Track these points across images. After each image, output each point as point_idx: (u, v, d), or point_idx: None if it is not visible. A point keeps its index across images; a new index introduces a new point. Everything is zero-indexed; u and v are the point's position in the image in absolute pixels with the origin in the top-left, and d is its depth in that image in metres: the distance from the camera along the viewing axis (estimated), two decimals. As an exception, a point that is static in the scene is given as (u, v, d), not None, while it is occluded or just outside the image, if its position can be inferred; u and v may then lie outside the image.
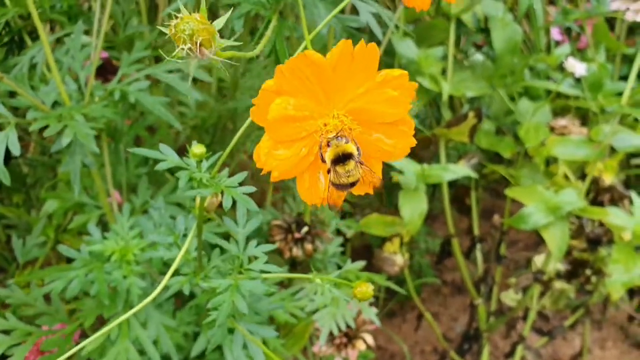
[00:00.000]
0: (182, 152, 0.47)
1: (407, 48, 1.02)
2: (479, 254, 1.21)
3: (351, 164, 0.39)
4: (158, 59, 0.84)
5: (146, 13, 0.82)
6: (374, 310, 0.75)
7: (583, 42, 1.30)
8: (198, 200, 0.47)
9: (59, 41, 0.79)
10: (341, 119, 0.38)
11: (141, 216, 0.66)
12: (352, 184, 0.40)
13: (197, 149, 0.43)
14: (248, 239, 0.54)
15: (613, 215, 0.94)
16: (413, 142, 0.40)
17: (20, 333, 0.61)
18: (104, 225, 0.75)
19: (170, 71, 0.61)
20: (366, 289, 0.47)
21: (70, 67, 0.63)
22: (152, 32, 0.78)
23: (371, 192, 0.42)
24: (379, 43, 0.75)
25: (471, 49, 1.23)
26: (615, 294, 0.99)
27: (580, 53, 1.33)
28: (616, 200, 1.24)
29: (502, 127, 1.24)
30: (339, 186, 0.40)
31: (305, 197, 0.40)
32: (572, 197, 0.93)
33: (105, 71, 0.81)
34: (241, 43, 0.38)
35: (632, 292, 1.40)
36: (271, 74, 0.39)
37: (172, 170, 0.78)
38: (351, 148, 0.39)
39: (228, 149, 0.45)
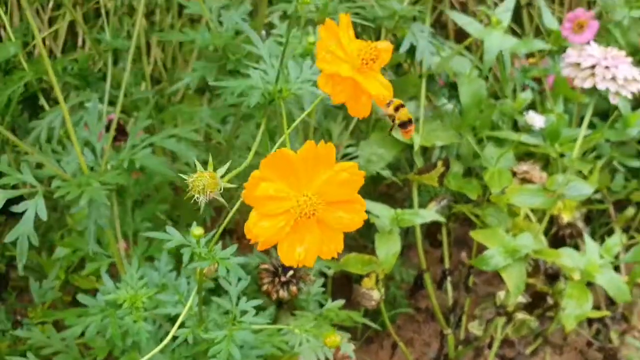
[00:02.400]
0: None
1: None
2: (449, 286, 1.32)
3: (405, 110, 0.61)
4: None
5: (149, 78, 0.92)
6: (349, 341, 0.86)
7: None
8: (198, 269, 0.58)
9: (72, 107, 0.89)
10: (310, 199, 0.51)
11: (147, 265, 0.76)
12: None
13: (197, 230, 0.55)
14: (239, 296, 0.65)
15: (565, 257, 1.05)
16: (365, 217, 0.54)
17: (39, 370, 0.71)
18: (112, 270, 0.85)
19: (171, 136, 0.71)
20: (334, 338, 0.58)
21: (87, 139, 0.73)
22: (155, 97, 0.88)
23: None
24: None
25: (442, 99, 1.34)
26: (569, 326, 1.11)
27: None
28: (575, 236, 1.36)
29: (471, 167, 1.35)
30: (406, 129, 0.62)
31: (284, 259, 0.52)
32: (529, 241, 1.04)
33: (116, 132, 0.91)
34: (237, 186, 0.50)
35: (590, 320, 1.51)
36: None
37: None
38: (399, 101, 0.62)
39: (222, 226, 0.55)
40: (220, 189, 0.52)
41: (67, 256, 0.91)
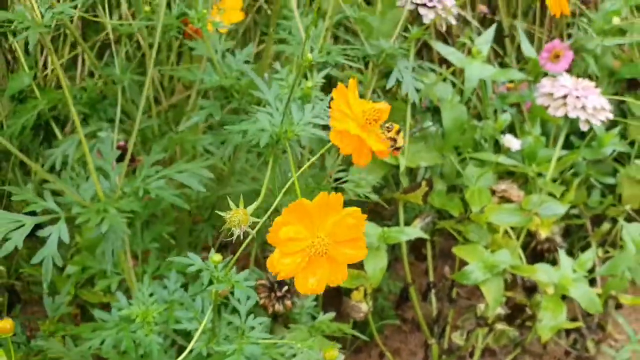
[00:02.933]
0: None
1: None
2: (433, 298, 1.39)
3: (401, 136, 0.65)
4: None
5: (155, 108, 1.00)
6: (339, 350, 0.93)
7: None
8: (214, 290, 0.65)
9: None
10: (323, 239, 0.60)
11: (156, 283, 0.83)
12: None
13: (216, 257, 0.62)
14: (248, 314, 0.72)
15: (540, 272, 1.13)
16: (366, 252, 0.62)
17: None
18: (121, 286, 0.92)
19: (180, 171, 0.79)
20: (333, 352, 0.66)
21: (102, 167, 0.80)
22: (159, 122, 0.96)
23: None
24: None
25: (427, 122, 1.42)
26: (544, 336, 1.19)
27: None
28: (553, 250, 1.44)
29: (455, 185, 1.43)
30: (397, 149, 0.66)
31: (299, 289, 0.61)
32: (506, 257, 1.12)
33: (123, 159, 0.98)
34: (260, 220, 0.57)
35: (568, 330, 1.60)
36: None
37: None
38: (397, 126, 0.65)
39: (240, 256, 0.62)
40: (250, 223, 0.61)
41: (76, 273, 0.99)
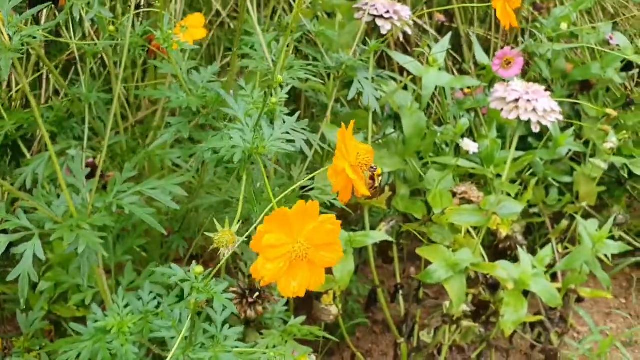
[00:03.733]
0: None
1: (334, 135, 1.25)
2: (401, 298, 1.44)
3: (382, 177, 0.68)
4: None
5: (122, 124, 1.02)
6: (312, 353, 0.96)
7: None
8: (193, 300, 0.69)
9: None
10: (302, 244, 0.64)
11: (131, 294, 0.86)
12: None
13: (198, 269, 0.66)
14: (224, 323, 0.76)
15: (499, 269, 1.18)
16: (342, 255, 0.67)
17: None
18: (95, 300, 0.94)
19: (152, 188, 0.81)
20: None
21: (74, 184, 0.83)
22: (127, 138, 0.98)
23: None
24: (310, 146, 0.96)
25: (389, 129, 1.47)
26: (507, 331, 1.23)
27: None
28: (514, 248, 1.49)
29: (419, 190, 1.48)
30: (374, 189, 0.71)
31: (282, 292, 0.65)
32: (467, 255, 1.17)
33: (93, 176, 1.00)
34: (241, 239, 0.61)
35: (532, 325, 1.65)
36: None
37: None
38: (380, 170, 0.71)
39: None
40: (237, 243, 0.66)
41: (49, 288, 1.00)
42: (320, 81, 1.15)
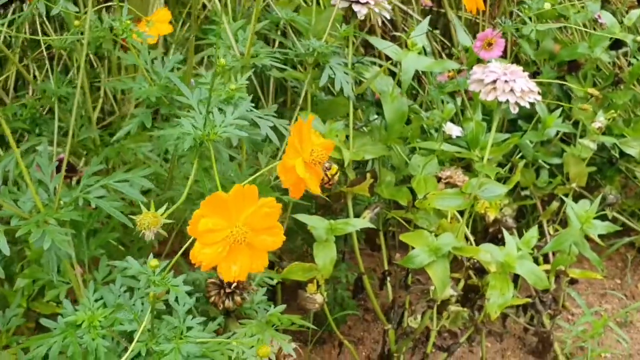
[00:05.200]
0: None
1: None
2: (389, 285, 1.43)
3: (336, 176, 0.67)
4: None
5: (95, 120, 1.02)
6: (297, 343, 0.96)
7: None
8: (151, 293, 0.68)
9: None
10: (240, 229, 0.64)
11: (103, 288, 0.85)
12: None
13: (153, 262, 0.65)
14: (187, 314, 0.75)
15: (482, 253, 1.17)
16: (283, 238, 0.67)
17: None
18: (71, 295, 0.94)
19: (120, 181, 0.81)
20: (266, 349, 0.70)
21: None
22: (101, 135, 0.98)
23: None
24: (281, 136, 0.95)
25: (373, 115, 1.46)
26: (493, 314, 1.23)
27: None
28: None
29: (405, 176, 1.47)
30: (329, 185, 0.67)
31: (223, 276, 0.66)
32: (449, 239, 1.16)
33: (66, 170, 1.00)
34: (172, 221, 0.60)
35: (525, 308, 1.65)
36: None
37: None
38: (335, 168, 0.69)
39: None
40: (161, 225, 0.64)
41: (27, 285, 1.00)
42: (295, 70, 1.14)
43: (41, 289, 1.01)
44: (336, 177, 0.70)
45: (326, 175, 0.70)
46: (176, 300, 0.78)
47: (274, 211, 0.64)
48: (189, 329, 0.78)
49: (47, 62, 1.17)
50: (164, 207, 0.66)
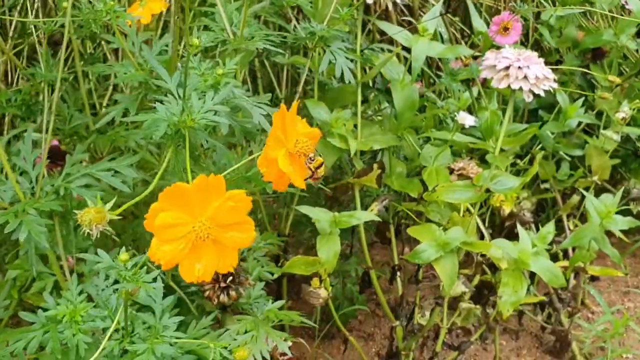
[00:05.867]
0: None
1: (319, 112, 1.19)
2: (398, 280, 1.38)
3: (322, 168, 0.65)
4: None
5: (89, 106, 0.98)
6: (287, 344, 0.92)
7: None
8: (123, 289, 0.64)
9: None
10: (204, 224, 0.58)
11: (88, 282, 0.82)
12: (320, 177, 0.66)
13: (124, 256, 0.61)
14: (163, 311, 0.71)
15: (493, 248, 1.11)
16: (254, 235, 0.61)
17: (-9, 385, 0.77)
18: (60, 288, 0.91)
19: (103, 170, 0.77)
20: (243, 352, 0.65)
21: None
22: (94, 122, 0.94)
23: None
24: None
25: (384, 102, 1.41)
26: (505, 313, 1.17)
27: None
28: (521, 225, 1.42)
29: (415, 168, 1.41)
30: (316, 179, 0.66)
31: (184, 276, 0.59)
32: (459, 234, 1.10)
33: (55, 157, 0.96)
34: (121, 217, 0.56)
35: (542, 306, 1.59)
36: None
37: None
38: (321, 160, 0.65)
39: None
40: (106, 221, 0.59)
41: (19, 276, 0.98)
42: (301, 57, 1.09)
43: (34, 280, 0.99)
44: (321, 170, 0.65)
45: (309, 168, 0.64)
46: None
47: (241, 205, 0.58)
48: (165, 328, 0.73)
49: (40, 47, 1.13)
50: (112, 201, 0.61)
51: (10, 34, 1.21)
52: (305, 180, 0.65)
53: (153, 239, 0.57)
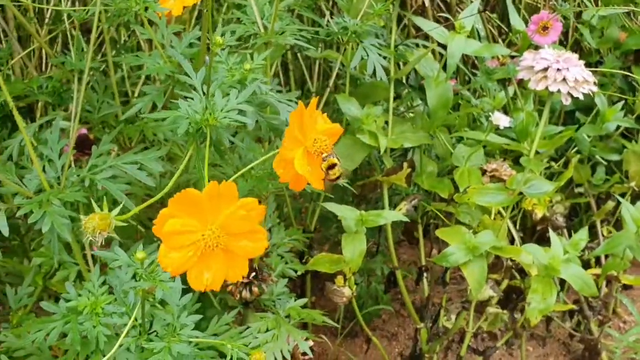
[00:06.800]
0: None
1: (350, 108, 1.17)
2: (425, 282, 1.36)
3: (336, 169, 0.62)
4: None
5: (120, 96, 0.98)
6: (308, 344, 0.91)
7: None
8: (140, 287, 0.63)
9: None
10: (214, 232, 0.56)
11: (111, 273, 0.81)
12: (336, 179, 0.63)
13: (140, 254, 0.60)
14: (182, 309, 0.70)
15: (524, 254, 1.09)
16: (266, 244, 0.58)
17: (12, 372, 0.77)
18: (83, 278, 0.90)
19: (128, 162, 0.77)
20: (259, 355, 0.64)
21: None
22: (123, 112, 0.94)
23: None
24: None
25: (417, 99, 1.38)
26: (533, 320, 1.14)
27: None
28: (554, 230, 1.39)
29: (447, 167, 1.39)
30: (330, 181, 0.63)
31: (193, 284, 0.57)
32: (489, 238, 1.08)
33: (83, 146, 0.96)
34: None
35: (572, 312, 1.55)
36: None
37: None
38: (335, 160, 0.62)
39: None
40: (112, 228, 0.57)
41: (44, 263, 0.98)
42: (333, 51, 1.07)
43: (58, 268, 0.99)
44: (335, 172, 0.62)
45: (322, 169, 0.61)
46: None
47: (252, 214, 0.56)
48: (182, 326, 0.72)
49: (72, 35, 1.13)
50: (119, 207, 0.59)
51: (47, 20, 1.21)
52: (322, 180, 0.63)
53: (161, 244, 0.56)
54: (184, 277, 0.72)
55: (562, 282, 1.45)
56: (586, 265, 1.50)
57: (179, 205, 0.55)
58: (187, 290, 0.84)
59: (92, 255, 0.88)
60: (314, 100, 0.60)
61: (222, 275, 0.57)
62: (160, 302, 0.75)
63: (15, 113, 0.72)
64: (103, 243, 0.56)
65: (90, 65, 0.90)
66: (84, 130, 0.97)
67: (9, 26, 1.08)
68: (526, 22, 1.41)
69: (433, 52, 1.42)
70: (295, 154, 0.59)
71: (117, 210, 0.58)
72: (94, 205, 0.57)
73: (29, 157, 0.87)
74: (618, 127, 1.58)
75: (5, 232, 0.71)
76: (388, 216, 1.10)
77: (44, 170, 0.79)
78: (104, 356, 0.76)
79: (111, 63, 0.95)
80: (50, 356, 0.82)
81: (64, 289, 0.93)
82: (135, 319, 0.70)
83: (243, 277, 0.95)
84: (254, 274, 0.96)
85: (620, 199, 1.31)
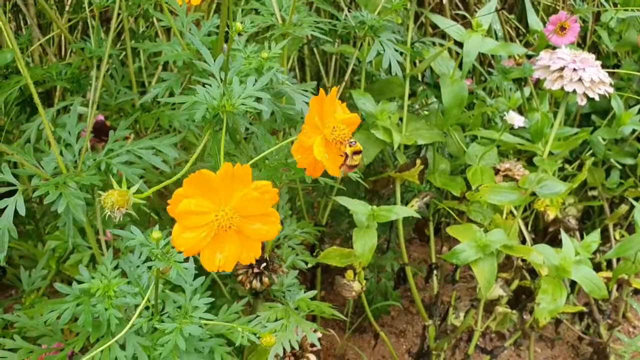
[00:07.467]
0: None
1: (365, 103, 1.18)
2: (434, 279, 1.36)
3: (359, 156, 0.63)
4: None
5: (137, 84, 0.99)
6: (316, 335, 0.91)
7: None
8: (155, 268, 0.64)
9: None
10: (227, 213, 0.57)
11: (123, 258, 0.82)
12: (355, 166, 0.64)
13: (156, 234, 0.60)
14: (194, 292, 0.71)
15: (534, 254, 1.08)
16: (279, 228, 0.59)
17: (24, 351, 0.78)
18: (96, 262, 0.91)
19: (144, 147, 0.78)
20: (270, 339, 0.64)
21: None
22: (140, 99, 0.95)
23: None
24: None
25: (432, 97, 1.38)
26: (542, 321, 1.14)
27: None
28: (566, 231, 1.38)
29: (460, 166, 1.39)
30: (350, 167, 0.64)
31: (205, 265, 0.58)
32: (500, 236, 1.08)
33: (100, 132, 0.97)
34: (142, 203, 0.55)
35: (581, 315, 1.54)
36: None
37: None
38: (360, 146, 0.63)
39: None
40: (130, 205, 0.58)
41: (58, 247, 0.99)
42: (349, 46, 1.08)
43: (73, 251, 1.00)
44: (357, 158, 0.63)
45: (345, 154, 0.62)
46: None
47: (265, 197, 0.57)
48: (194, 308, 0.73)
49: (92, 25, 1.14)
50: (137, 185, 0.60)
51: (67, 8, 1.22)
52: (340, 167, 0.64)
53: (175, 225, 0.56)
54: (197, 264, 0.73)
55: (573, 284, 1.45)
56: (597, 268, 1.49)
57: (193, 186, 0.56)
58: (198, 275, 0.85)
59: (105, 240, 0.89)
60: (334, 89, 0.61)
61: (234, 256, 0.58)
62: (172, 288, 0.76)
63: (35, 97, 0.73)
64: (121, 219, 0.57)
65: (110, 52, 0.91)
66: (101, 117, 0.98)
67: (29, 12, 1.09)
68: (544, 23, 1.40)
69: (449, 50, 1.42)
70: (314, 141, 0.60)
71: (135, 188, 0.59)
72: (113, 182, 0.58)
73: (46, 141, 0.88)
74: (634, 130, 1.57)
75: (22, 212, 0.72)
76: (399, 212, 1.10)
77: (61, 153, 0.79)
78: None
79: (130, 52, 0.96)
80: (62, 338, 0.83)
81: (77, 273, 0.94)
82: (148, 300, 0.71)
83: (254, 267, 0.97)
84: (264, 264, 0.97)
85: (634, 202, 1.30)
